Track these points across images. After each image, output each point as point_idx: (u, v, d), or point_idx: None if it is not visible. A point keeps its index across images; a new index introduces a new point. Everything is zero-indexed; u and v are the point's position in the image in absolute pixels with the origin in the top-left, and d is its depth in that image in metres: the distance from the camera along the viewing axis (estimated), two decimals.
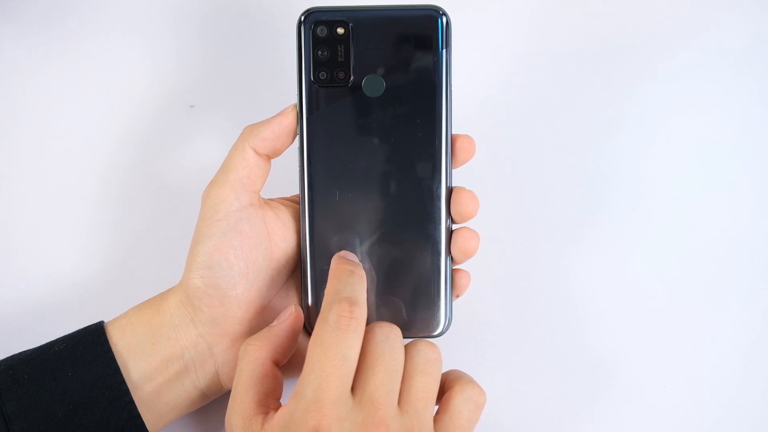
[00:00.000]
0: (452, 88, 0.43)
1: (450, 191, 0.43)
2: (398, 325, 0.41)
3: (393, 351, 0.38)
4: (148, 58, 0.55)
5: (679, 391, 0.48)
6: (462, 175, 0.45)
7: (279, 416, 0.37)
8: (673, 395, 0.48)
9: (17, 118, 0.54)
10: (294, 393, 0.37)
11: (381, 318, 0.43)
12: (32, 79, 0.54)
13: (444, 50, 0.42)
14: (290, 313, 0.41)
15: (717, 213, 0.52)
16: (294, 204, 0.45)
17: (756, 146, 0.53)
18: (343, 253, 0.43)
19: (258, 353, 0.40)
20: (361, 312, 0.38)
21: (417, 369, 0.39)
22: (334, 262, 0.42)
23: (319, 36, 0.42)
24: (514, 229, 0.51)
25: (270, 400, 0.39)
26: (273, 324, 0.41)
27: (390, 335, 0.39)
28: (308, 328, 0.44)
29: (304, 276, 0.44)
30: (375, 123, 0.42)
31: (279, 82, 0.54)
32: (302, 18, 0.42)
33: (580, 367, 0.49)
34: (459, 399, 0.40)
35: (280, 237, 0.43)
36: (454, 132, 0.43)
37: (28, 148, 0.53)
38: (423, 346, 0.40)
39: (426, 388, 0.39)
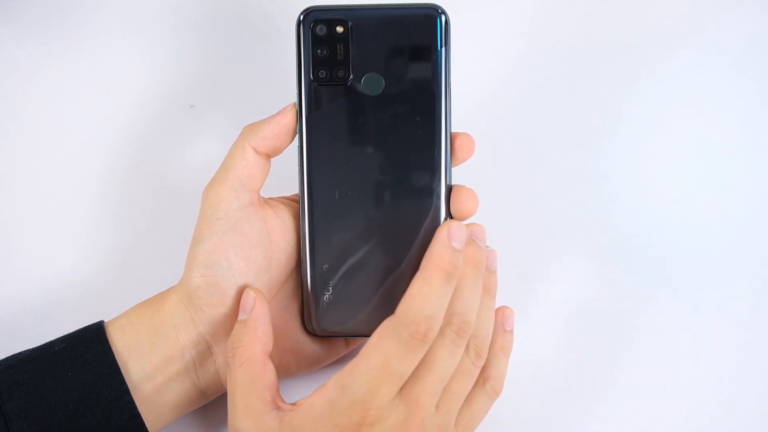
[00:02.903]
0: (452, 87, 0.43)
1: (450, 189, 0.43)
2: None
3: (450, 368, 0.39)
4: (148, 58, 0.55)
5: (679, 391, 0.48)
6: (462, 173, 0.45)
7: (315, 404, 0.38)
8: (673, 395, 0.48)
9: (17, 118, 0.54)
10: (338, 382, 0.37)
11: (381, 317, 0.43)
12: (32, 79, 0.54)
13: (443, 49, 0.42)
14: (253, 298, 0.41)
15: (717, 212, 0.52)
16: (294, 203, 0.45)
17: (756, 146, 0.53)
18: (454, 230, 0.40)
19: (249, 352, 0.40)
20: (436, 330, 0.38)
21: (460, 372, 0.40)
22: (441, 245, 0.39)
23: (319, 35, 0.42)
24: (513, 227, 0.51)
25: (274, 394, 0.39)
26: (243, 317, 0.41)
27: (456, 354, 0.39)
28: (307, 327, 0.44)
29: (304, 275, 0.44)
30: (374, 121, 0.42)
31: (279, 82, 0.54)
32: (301, 17, 0.42)
33: (580, 366, 0.49)
34: (476, 389, 0.42)
35: (280, 236, 0.43)
36: (453, 130, 0.43)
37: (28, 148, 0.53)
38: (497, 383, 0.42)
39: (464, 390, 0.41)
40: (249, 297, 0.41)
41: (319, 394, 0.38)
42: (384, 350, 0.37)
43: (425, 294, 0.38)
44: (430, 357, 0.38)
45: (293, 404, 0.39)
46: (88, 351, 0.41)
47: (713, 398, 0.48)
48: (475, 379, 0.41)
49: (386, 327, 0.38)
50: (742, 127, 0.53)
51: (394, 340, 0.37)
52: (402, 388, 0.38)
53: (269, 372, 0.40)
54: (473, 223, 0.41)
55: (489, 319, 0.42)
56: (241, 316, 0.41)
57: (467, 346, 0.41)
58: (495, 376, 0.43)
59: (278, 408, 0.38)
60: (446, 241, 0.39)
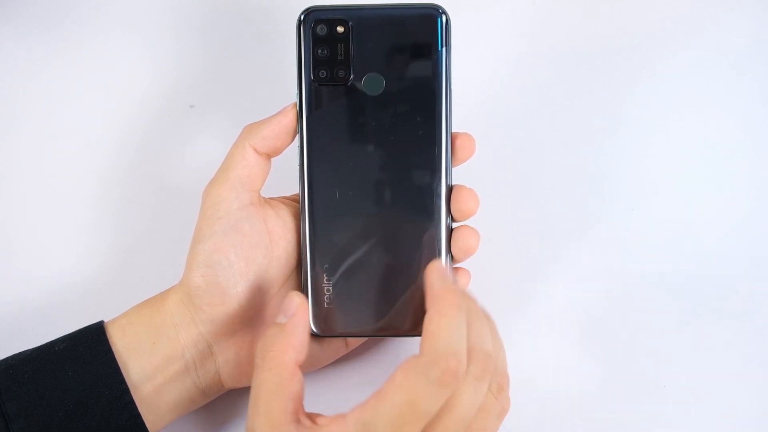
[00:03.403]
0: (452, 87, 0.43)
1: (450, 189, 0.43)
2: (397, 324, 0.42)
3: (474, 406, 0.37)
4: (148, 58, 0.55)
5: (679, 391, 0.48)
6: (462, 173, 0.45)
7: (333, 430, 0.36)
8: (673, 395, 0.48)
9: (17, 118, 0.54)
10: (359, 419, 0.36)
11: (380, 316, 0.43)
12: (32, 79, 0.54)
13: (444, 49, 0.42)
14: (297, 305, 0.39)
15: (717, 213, 0.52)
16: (294, 203, 0.45)
17: (756, 146, 0.53)
18: (443, 268, 0.40)
19: (281, 358, 0.38)
20: (465, 365, 0.36)
21: (483, 409, 0.38)
22: (441, 281, 0.39)
23: (319, 34, 0.42)
24: (514, 227, 0.51)
25: (297, 406, 0.38)
26: (282, 321, 0.39)
27: (480, 390, 0.37)
28: (310, 328, 0.44)
29: (304, 275, 0.44)
30: (375, 121, 0.42)
31: (279, 82, 0.54)
32: (302, 17, 0.42)
33: (580, 366, 0.49)
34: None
35: (280, 236, 0.43)
36: (454, 130, 0.43)
37: (28, 148, 0.53)
38: (506, 402, 0.40)
39: (485, 428, 0.39)
40: (294, 301, 0.39)
41: (339, 426, 0.36)
42: (411, 389, 0.35)
43: (445, 328, 0.36)
44: (455, 394, 0.36)
45: (313, 421, 0.37)
46: (88, 351, 0.41)
47: (713, 398, 0.48)
48: (496, 413, 0.39)
49: (412, 365, 0.36)
50: (742, 127, 0.53)
51: (422, 379, 0.35)
52: (425, 428, 0.36)
53: (297, 382, 0.38)
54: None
55: (501, 347, 0.40)
56: (280, 319, 0.39)
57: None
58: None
59: (298, 421, 0.37)
60: (444, 276, 0.38)
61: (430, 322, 0.36)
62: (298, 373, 0.38)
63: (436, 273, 0.39)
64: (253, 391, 0.38)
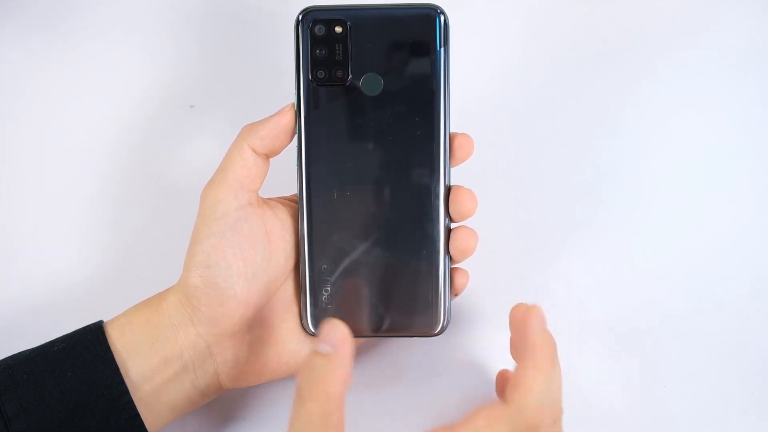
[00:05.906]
0: (450, 87, 0.43)
1: (448, 190, 0.43)
2: (395, 324, 0.42)
3: None
4: (148, 58, 0.55)
5: (679, 391, 0.48)
6: (460, 173, 0.45)
7: None
8: (673, 395, 0.48)
9: (17, 118, 0.54)
10: None
11: (379, 317, 0.43)
12: (32, 79, 0.54)
13: (442, 49, 0.42)
14: (341, 336, 0.37)
15: (717, 213, 0.52)
16: (292, 203, 0.45)
17: (757, 146, 0.53)
18: (541, 314, 0.40)
19: (329, 390, 0.36)
20: (549, 421, 0.37)
21: None
22: (541, 332, 0.39)
23: (317, 35, 0.42)
24: (512, 228, 0.51)
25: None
26: (326, 350, 0.37)
27: None
28: (305, 328, 0.44)
29: (302, 275, 0.44)
30: (373, 122, 0.42)
31: (278, 82, 0.54)
32: (300, 17, 0.42)
33: (579, 367, 0.48)
34: None
35: (278, 236, 0.43)
36: (452, 130, 0.43)
37: (29, 148, 0.53)
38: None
39: None
40: (337, 331, 0.37)
41: None
42: None
43: (540, 384, 0.37)
44: None
45: None
46: (87, 351, 0.41)
47: (713, 398, 0.48)
48: None
49: (499, 415, 0.37)
50: (743, 127, 0.53)
51: (508, 429, 0.36)
52: None
53: (341, 416, 0.36)
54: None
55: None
56: (323, 348, 0.37)
57: None
58: None
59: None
60: (544, 326, 0.39)
61: (525, 375, 0.37)
62: (342, 405, 0.37)
63: (537, 321, 0.39)
64: (296, 423, 0.36)
